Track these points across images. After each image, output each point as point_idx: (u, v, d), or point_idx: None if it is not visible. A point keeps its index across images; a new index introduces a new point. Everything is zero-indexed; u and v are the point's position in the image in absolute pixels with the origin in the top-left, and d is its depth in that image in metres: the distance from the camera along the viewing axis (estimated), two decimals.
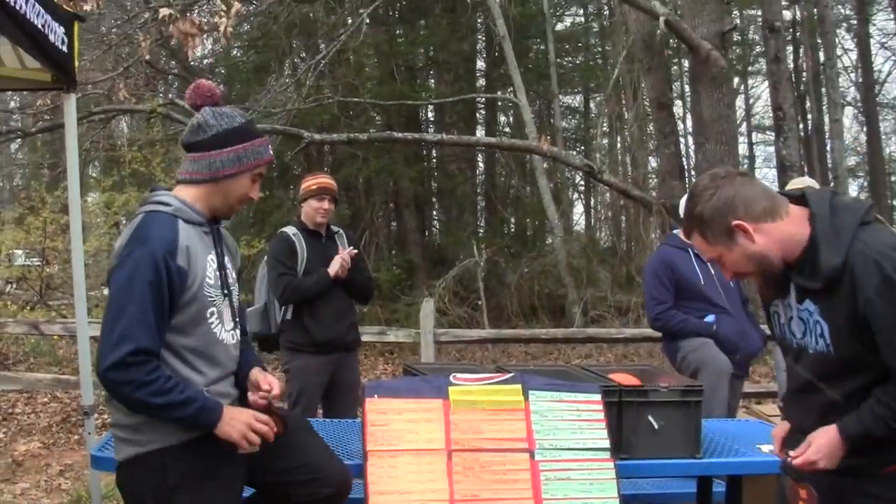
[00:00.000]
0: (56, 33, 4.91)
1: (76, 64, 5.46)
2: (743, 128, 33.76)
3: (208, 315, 3.50)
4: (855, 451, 3.03)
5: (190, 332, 3.47)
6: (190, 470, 3.46)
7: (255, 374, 3.73)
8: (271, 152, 3.73)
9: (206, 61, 21.69)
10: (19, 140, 19.47)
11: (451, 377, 4.38)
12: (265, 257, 6.94)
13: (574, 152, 21.49)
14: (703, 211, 3.10)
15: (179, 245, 3.41)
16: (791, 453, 3.11)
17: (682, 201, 5.21)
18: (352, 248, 6.66)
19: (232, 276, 3.71)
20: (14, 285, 16.60)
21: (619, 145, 22.50)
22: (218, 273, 3.57)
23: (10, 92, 14.08)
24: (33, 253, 15.54)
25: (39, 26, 4.61)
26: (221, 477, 3.53)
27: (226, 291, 3.60)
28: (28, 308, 14.32)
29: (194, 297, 3.44)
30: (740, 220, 3.03)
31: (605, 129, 22.03)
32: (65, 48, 5.11)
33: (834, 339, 3.02)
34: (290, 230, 6.71)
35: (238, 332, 3.74)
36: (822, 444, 3.06)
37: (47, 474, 8.60)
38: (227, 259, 3.70)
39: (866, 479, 3.07)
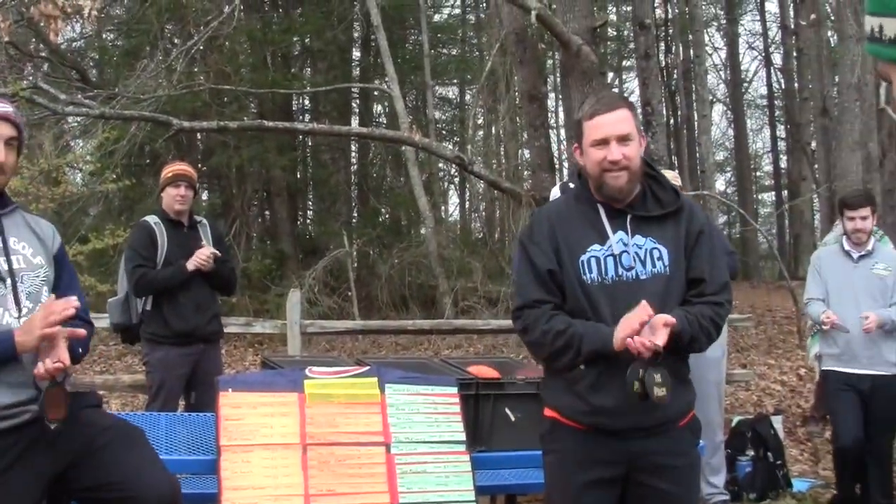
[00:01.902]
0: None
1: None
2: None
3: None
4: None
5: None
6: None
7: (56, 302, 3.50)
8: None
9: (74, 44, 21.13)
10: None
11: (307, 370, 4.37)
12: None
13: (448, 144, 21.56)
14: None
15: None
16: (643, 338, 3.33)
17: (552, 193, 5.31)
18: (212, 250, 6.53)
19: (26, 262, 3.59)
20: None
21: (493, 137, 22.63)
22: None
23: None
24: None
25: None
26: (11, 476, 3.40)
27: (4, 277, 3.49)
28: None
29: None
30: None
31: (479, 120, 22.13)
32: None
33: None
34: (151, 219, 6.60)
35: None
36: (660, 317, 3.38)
37: None
38: (21, 246, 3.60)
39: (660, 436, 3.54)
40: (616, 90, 31.88)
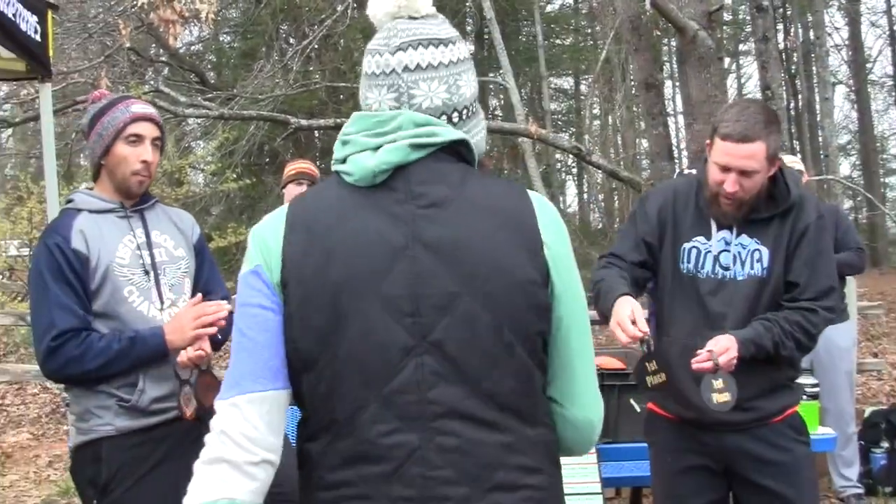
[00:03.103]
0: (28, 22, 4.88)
1: (50, 53, 5.41)
2: None
3: (126, 294, 3.48)
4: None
5: (113, 314, 3.46)
6: (126, 462, 3.44)
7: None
8: (139, 108, 3.62)
9: (193, 48, 21.57)
10: (9, 130, 19.37)
11: None
12: None
13: (565, 134, 21.42)
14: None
15: (73, 231, 3.45)
16: (710, 350, 3.29)
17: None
18: None
19: (168, 254, 3.67)
20: (2, 277, 16.54)
21: (609, 127, 22.46)
22: (137, 253, 3.55)
23: None
24: (26, 244, 15.51)
25: (10, 15, 4.58)
26: (160, 472, 3.47)
27: (148, 270, 3.56)
28: (18, 299, 14.27)
29: (105, 278, 3.45)
30: None
31: (595, 110, 21.98)
32: (38, 37, 5.06)
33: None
34: None
35: (177, 310, 3.63)
36: (724, 340, 3.33)
37: (36, 465, 8.59)
38: (163, 238, 3.68)
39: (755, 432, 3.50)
40: (734, 75, 31.40)
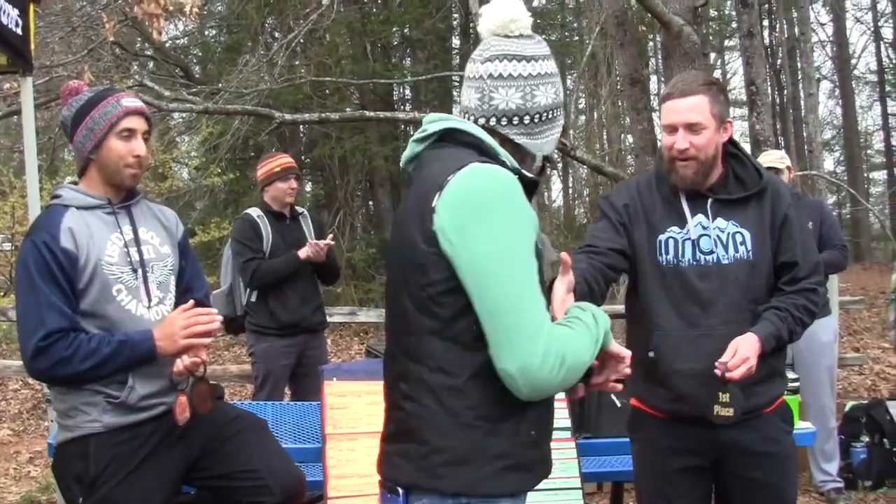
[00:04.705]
0: (9, 15, 4.85)
1: (32, 47, 5.37)
2: None
3: (115, 292, 3.47)
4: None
5: (101, 312, 3.45)
6: (114, 458, 3.43)
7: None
8: (129, 102, 3.62)
9: (178, 41, 21.49)
10: None
11: None
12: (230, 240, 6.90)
13: None
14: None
15: (62, 228, 3.42)
16: (724, 363, 3.26)
17: None
18: (330, 238, 6.60)
19: (155, 251, 3.67)
20: None
21: (595, 121, 22.45)
22: (125, 251, 3.53)
23: None
24: (8, 239, 15.42)
25: None
26: (147, 468, 3.47)
27: (136, 268, 3.55)
28: (0, 294, 14.21)
29: (94, 276, 3.44)
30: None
31: (580, 105, 21.97)
32: (19, 31, 5.02)
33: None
34: (254, 212, 6.67)
35: (165, 308, 3.65)
36: (746, 345, 3.30)
37: (16, 462, 8.57)
38: (149, 235, 3.68)
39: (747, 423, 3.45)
40: (719, 71, 31.45)
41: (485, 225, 2.30)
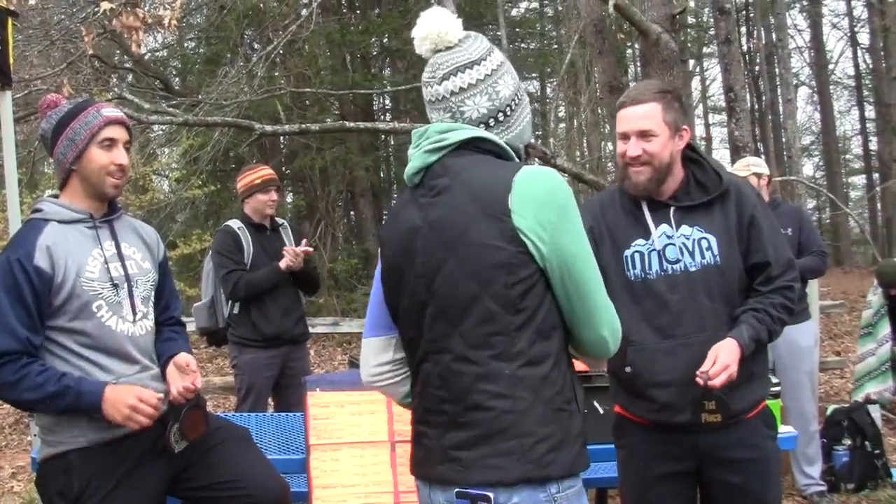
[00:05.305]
0: None
1: (11, 60, 5.36)
2: (699, 109, 33.93)
3: (95, 308, 3.45)
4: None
5: (80, 329, 3.44)
6: (97, 474, 3.42)
7: (179, 359, 3.64)
8: (110, 112, 3.60)
9: (157, 54, 21.45)
10: None
11: None
12: (210, 252, 6.89)
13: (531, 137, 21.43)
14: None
15: (38, 246, 3.40)
16: (705, 371, 3.30)
17: None
18: (305, 244, 6.60)
19: (137, 267, 3.67)
20: None
21: (575, 129, 22.50)
22: (105, 266, 3.52)
23: None
24: None
25: None
26: (131, 482, 3.46)
27: (117, 283, 3.54)
28: None
29: (72, 293, 3.41)
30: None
31: (560, 113, 22.02)
32: None
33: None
34: (234, 224, 6.66)
35: (149, 322, 3.67)
36: (726, 352, 3.34)
37: None
38: (132, 251, 3.68)
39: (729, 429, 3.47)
40: (698, 77, 31.57)
41: (568, 220, 2.51)
